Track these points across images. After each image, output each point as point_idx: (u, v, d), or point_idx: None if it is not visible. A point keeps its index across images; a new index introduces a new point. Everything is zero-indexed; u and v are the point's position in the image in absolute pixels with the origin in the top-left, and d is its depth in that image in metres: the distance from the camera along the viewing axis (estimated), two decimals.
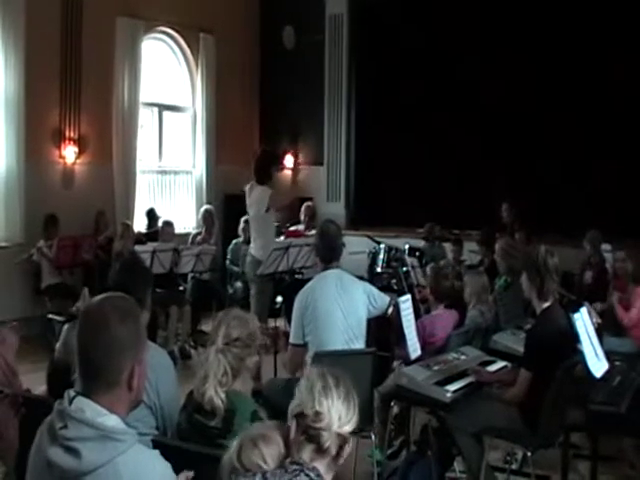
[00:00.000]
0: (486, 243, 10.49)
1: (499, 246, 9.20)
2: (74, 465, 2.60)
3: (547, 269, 5.73)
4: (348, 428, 3.00)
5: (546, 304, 5.78)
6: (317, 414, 2.96)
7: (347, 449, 3.02)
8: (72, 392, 2.75)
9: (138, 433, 2.97)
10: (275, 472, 2.92)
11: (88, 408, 2.68)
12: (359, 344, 6.30)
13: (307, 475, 2.89)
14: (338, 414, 2.97)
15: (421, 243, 12.44)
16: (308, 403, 2.99)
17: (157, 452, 2.83)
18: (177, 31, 14.87)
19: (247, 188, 9.65)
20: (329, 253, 6.44)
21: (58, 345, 5.00)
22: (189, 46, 15.10)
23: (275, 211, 9.66)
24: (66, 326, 5.24)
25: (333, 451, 2.97)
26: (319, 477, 2.91)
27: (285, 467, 2.93)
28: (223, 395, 4.01)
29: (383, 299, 6.55)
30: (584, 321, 5.65)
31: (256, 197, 9.44)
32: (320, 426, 2.95)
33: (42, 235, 11.62)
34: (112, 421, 2.68)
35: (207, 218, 12.67)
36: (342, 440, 2.99)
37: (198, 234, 12.65)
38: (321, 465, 2.96)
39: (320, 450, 2.96)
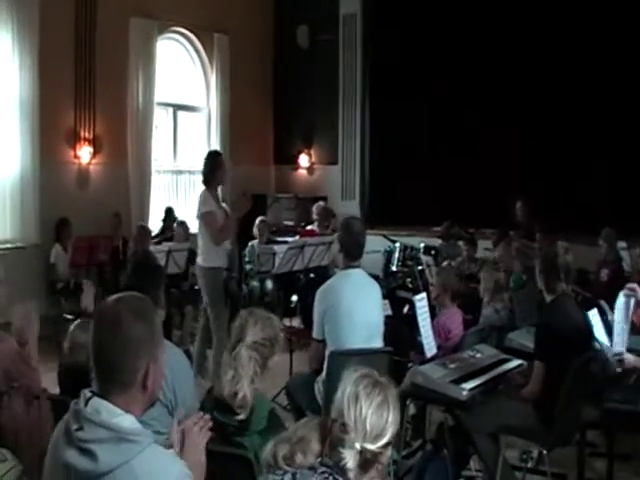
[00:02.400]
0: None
1: (514, 246, 9.21)
2: (90, 467, 2.62)
3: (554, 266, 5.77)
4: (379, 442, 2.87)
5: (553, 296, 5.81)
6: (343, 425, 2.88)
7: (382, 460, 2.91)
8: (88, 393, 2.76)
9: (155, 432, 2.98)
10: (304, 473, 2.89)
11: (103, 409, 2.69)
12: (378, 343, 6.34)
13: (336, 479, 2.87)
14: (364, 428, 2.85)
15: (436, 242, 12.39)
16: (338, 411, 2.92)
17: (173, 452, 2.83)
18: (191, 31, 14.90)
19: None
20: (355, 248, 6.42)
21: (65, 345, 4.98)
22: (203, 46, 15.13)
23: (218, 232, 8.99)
24: (72, 326, 5.20)
25: (351, 467, 2.85)
26: None
27: (315, 468, 2.90)
28: (252, 391, 4.03)
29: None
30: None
31: (198, 200, 9.21)
32: (343, 438, 2.86)
33: (55, 239, 11.72)
34: (127, 422, 2.69)
35: None
36: (371, 454, 2.87)
37: None
38: (349, 473, 2.88)
39: (338, 465, 2.88)
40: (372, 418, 2.87)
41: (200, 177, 9.30)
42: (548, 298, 5.89)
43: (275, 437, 3.13)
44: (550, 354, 5.50)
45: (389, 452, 2.96)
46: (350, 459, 2.85)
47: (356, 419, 2.87)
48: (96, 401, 2.72)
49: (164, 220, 13.40)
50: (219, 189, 9.42)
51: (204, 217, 8.94)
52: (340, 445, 2.87)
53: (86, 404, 2.72)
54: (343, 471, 2.88)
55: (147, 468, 2.63)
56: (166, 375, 3.93)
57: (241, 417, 4.00)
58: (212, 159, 9.34)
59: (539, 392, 5.54)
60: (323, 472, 2.86)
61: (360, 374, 2.99)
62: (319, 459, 2.92)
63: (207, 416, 3.20)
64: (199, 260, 9.15)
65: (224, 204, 9.31)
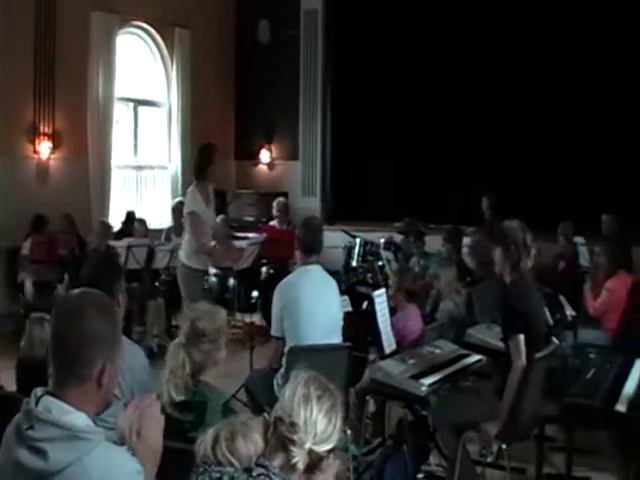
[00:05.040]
0: (452, 241, 10.35)
1: (468, 244, 9.29)
2: (42, 466, 2.60)
3: (525, 245, 5.79)
4: (325, 447, 2.84)
5: (514, 275, 5.82)
6: (292, 425, 2.82)
7: (325, 466, 2.87)
8: (39, 391, 2.75)
9: (111, 428, 2.96)
10: (239, 477, 2.81)
11: (54, 407, 2.68)
12: (337, 339, 6.36)
13: None
14: (314, 429, 2.82)
15: (397, 237, 12.37)
16: (286, 410, 2.86)
17: (125, 449, 2.81)
18: (152, 26, 14.78)
19: None
20: (309, 244, 6.47)
21: (23, 343, 4.92)
22: (164, 41, 15.02)
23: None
24: (28, 321, 5.14)
25: (301, 468, 2.82)
26: None
27: (251, 469, 2.82)
28: (184, 389, 4.02)
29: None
30: None
31: (187, 196, 9.00)
32: (293, 438, 2.81)
33: (30, 232, 11.52)
34: (79, 419, 2.68)
35: (175, 212, 12.48)
36: (316, 457, 2.84)
37: (170, 228, 12.52)
38: (293, 476, 2.85)
39: (287, 464, 2.82)
40: (322, 422, 2.85)
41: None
42: (508, 278, 5.86)
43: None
44: (524, 326, 5.54)
45: (331, 460, 2.91)
46: (300, 459, 2.81)
47: (306, 420, 2.83)
48: (47, 399, 2.71)
49: (124, 223, 13.13)
50: (210, 186, 9.02)
51: (189, 216, 8.76)
52: (290, 443, 2.82)
53: (37, 403, 2.70)
54: (286, 472, 2.84)
55: (100, 465, 2.62)
56: (124, 373, 3.92)
57: (187, 416, 3.99)
58: (202, 153, 9.03)
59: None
60: (259, 474, 2.82)
61: (310, 376, 2.95)
62: (254, 459, 2.86)
63: (153, 395, 3.17)
64: (180, 254, 9.02)
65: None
